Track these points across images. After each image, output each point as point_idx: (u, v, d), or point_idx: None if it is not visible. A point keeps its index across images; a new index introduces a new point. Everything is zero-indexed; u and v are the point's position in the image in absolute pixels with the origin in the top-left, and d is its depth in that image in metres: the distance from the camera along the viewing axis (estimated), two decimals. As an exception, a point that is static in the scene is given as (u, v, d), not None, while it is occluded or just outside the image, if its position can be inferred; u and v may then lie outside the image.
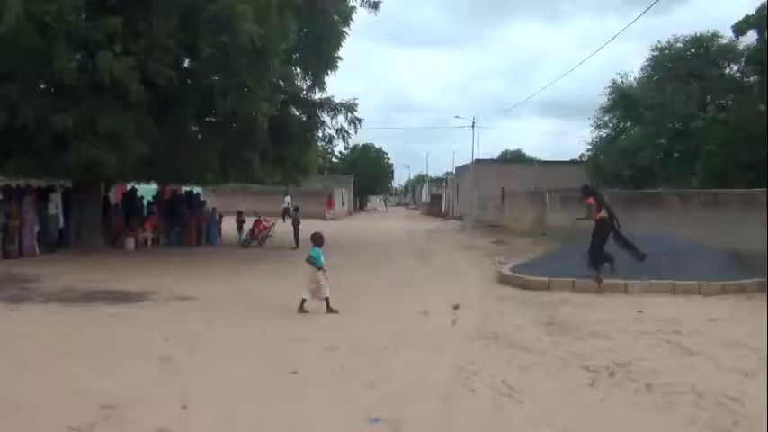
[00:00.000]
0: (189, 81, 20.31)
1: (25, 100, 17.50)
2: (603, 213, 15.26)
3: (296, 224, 26.26)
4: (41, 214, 21.25)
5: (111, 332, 10.33)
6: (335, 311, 11.77)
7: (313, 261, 11.93)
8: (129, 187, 28.83)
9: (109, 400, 6.74)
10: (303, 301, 11.82)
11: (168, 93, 18.65)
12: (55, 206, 22.01)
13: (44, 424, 6.26)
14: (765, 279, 14.97)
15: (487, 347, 9.47)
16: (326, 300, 11.86)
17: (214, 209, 29.68)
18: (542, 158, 67.09)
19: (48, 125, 17.61)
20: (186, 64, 21.42)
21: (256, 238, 26.51)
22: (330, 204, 56.03)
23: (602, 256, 15.22)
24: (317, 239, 12.39)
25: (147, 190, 30.06)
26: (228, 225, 29.57)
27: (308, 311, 11.75)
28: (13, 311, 11.93)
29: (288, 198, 47.91)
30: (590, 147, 48.13)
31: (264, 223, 27.43)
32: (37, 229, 20.77)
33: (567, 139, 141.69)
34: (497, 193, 45.47)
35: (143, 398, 6.94)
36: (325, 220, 49.59)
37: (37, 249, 20.53)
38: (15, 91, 17.37)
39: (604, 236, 15.20)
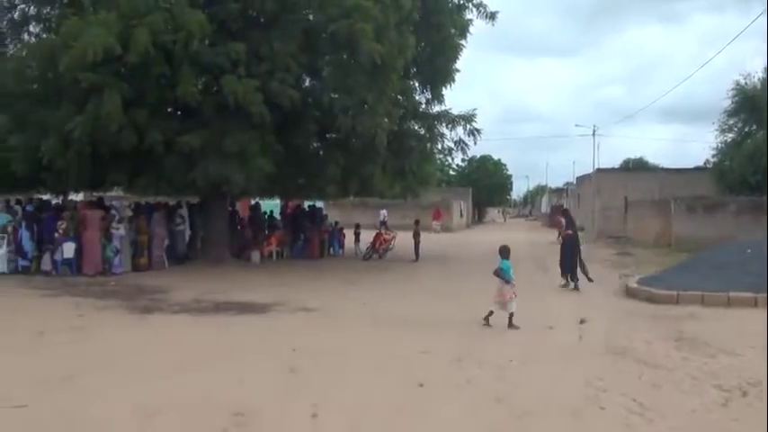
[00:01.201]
0: (310, 99, 20.80)
1: (153, 123, 18.38)
2: (570, 231, 18.18)
3: (416, 237, 26.41)
4: (170, 229, 22.27)
5: (240, 342, 10.73)
6: (517, 327, 11.62)
7: (502, 274, 11.89)
8: (252, 202, 29.74)
9: (240, 407, 6.99)
10: (490, 313, 11.78)
11: (290, 111, 19.16)
12: (183, 221, 22.97)
13: (179, 429, 6.58)
14: None
15: (616, 363, 9.26)
16: (510, 315, 11.72)
17: (336, 222, 30.27)
18: (665, 166, 64.54)
19: (175, 146, 18.45)
20: (307, 83, 21.98)
21: (377, 251, 26.79)
22: (438, 216, 53.33)
23: (575, 268, 17.43)
24: (505, 252, 12.32)
25: (270, 205, 30.98)
26: (350, 238, 29.99)
27: (491, 325, 11.71)
28: (145, 321, 12.56)
29: (383, 211, 46.70)
30: (714, 152, 46.03)
31: (385, 236, 27.68)
32: (166, 243, 21.79)
33: (691, 144, 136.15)
34: (620, 203, 44.25)
35: (273, 406, 7.15)
36: (436, 232, 47.66)
37: (166, 262, 21.48)
38: (144, 115, 18.23)
39: (572, 248, 17.73)
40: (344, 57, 19.56)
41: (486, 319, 11.79)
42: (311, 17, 20.07)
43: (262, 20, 19.76)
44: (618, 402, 7.36)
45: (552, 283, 18.19)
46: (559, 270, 18.21)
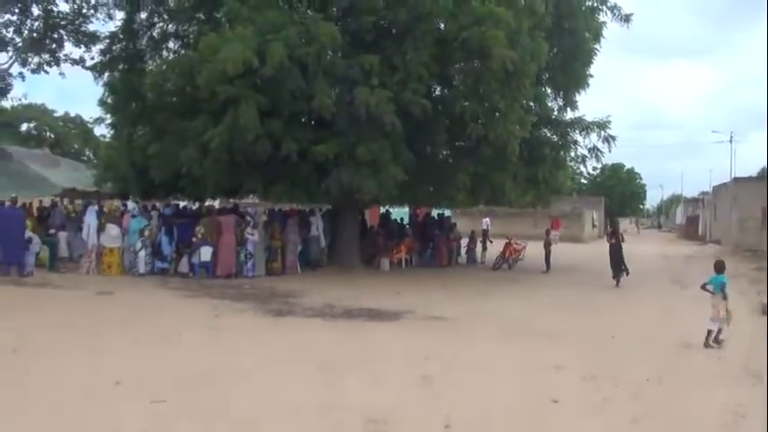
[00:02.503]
0: (440, 107, 20.78)
1: (288, 133, 18.84)
2: (614, 240, 21.58)
3: (547, 247, 25.86)
4: (303, 235, 22.75)
5: (372, 348, 10.82)
6: (714, 346, 11.18)
7: (720, 290, 11.49)
8: (383, 210, 29.99)
9: (373, 414, 7.05)
10: (709, 333, 11.30)
11: (421, 120, 19.23)
12: (316, 228, 23.46)
13: (315, 430, 6.69)
14: None
15: (755, 387, 8.73)
16: (719, 332, 11.30)
17: (473, 231, 30.05)
18: (808, 175, 60.60)
19: (309, 155, 18.85)
20: (437, 91, 22.00)
21: (507, 261, 26.42)
22: (556, 226, 49.00)
23: (622, 268, 20.96)
24: (720, 267, 11.94)
25: (398, 212, 31.15)
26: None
27: (716, 345, 11.21)
28: (279, 324, 12.88)
29: (486, 220, 45.33)
30: None
31: (515, 246, 27.22)
32: (299, 248, 22.27)
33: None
34: (758, 214, 41.91)
35: (406, 414, 7.18)
36: (554, 242, 43.08)
37: (298, 268, 21.97)
38: (279, 126, 18.71)
39: (618, 251, 21.24)
40: (476, 64, 19.44)
41: (707, 340, 11.21)
42: (443, 26, 20.09)
43: (394, 30, 19.93)
44: (757, 430, 7.00)
45: (691, 300, 17.42)
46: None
